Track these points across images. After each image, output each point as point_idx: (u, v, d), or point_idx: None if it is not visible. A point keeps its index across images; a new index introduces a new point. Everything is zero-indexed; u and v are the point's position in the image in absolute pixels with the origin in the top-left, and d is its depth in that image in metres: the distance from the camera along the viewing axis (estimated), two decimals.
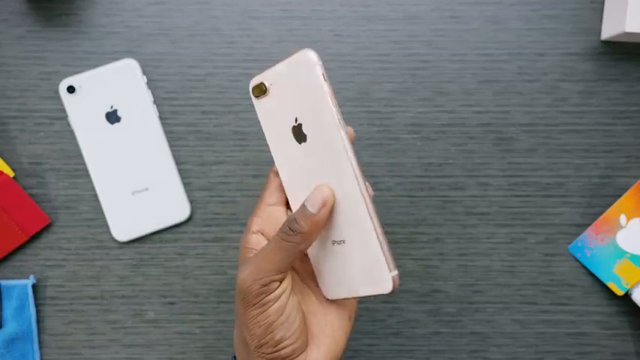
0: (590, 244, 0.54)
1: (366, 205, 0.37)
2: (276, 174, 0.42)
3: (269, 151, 0.43)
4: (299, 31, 0.54)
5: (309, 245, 0.38)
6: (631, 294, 0.53)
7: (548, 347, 0.54)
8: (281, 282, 0.39)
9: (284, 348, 0.39)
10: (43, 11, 0.54)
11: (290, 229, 0.38)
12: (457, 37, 0.54)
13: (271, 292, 0.38)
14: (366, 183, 0.38)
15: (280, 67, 0.39)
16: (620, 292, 0.53)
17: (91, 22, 0.54)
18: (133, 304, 0.54)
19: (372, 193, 0.39)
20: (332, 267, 0.40)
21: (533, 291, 0.54)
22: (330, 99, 0.37)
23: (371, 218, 0.37)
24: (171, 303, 0.54)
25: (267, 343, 0.39)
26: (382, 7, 0.54)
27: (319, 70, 0.37)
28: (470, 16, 0.54)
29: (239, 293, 0.39)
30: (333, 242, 0.39)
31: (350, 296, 0.40)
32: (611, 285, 0.53)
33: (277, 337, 0.38)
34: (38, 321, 0.54)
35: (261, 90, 0.39)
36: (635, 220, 0.53)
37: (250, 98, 0.54)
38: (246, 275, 0.38)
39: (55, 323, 0.54)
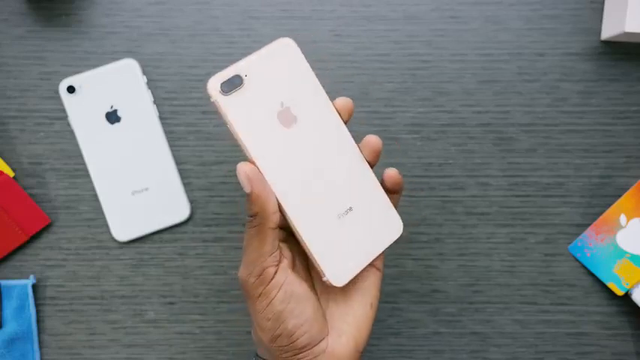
0: (590, 244, 0.54)
1: (369, 166, 0.41)
2: (272, 228, 0.39)
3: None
4: (299, 31, 0.54)
5: (276, 220, 0.38)
6: (631, 294, 0.53)
7: (548, 347, 0.54)
8: (277, 270, 0.38)
9: (299, 337, 0.39)
10: (43, 11, 0.54)
11: (248, 215, 0.38)
12: (457, 37, 0.54)
13: (269, 281, 0.38)
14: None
15: (255, 57, 0.38)
16: (620, 292, 0.53)
17: (91, 22, 0.54)
18: (133, 304, 0.54)
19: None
20: (339, 245, 0.40)
21: (533, 291, 0.54)
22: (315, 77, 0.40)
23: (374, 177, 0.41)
24: (171, 303, 0.54)
25: (280, 334, 0.39)
26: (382, 7, 0.54)
27: (300, 52, 0.39)
28: (470, 16, 0.54)
29: (243, 291, 0.39)
30: (339, 216, 0.40)
31: (362, 266, 0.40)
32: (611, 285, 0.53)
33: (290, 326, 0.38)
34: (38, 321, 0.54)
35: (232, 84, 0.38)
36: (635, 220, 0.53)
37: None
38: (240, 273, 0.39)
39: (55, 323, 0.54)
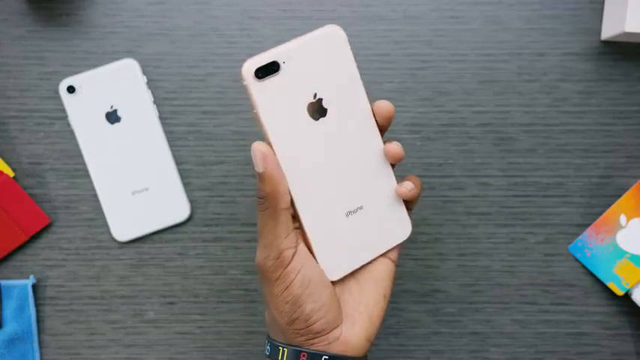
0: (590, 244, 0.54)
1: (391, 168, 0.41)
2: (284, 209, 0.39)
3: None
4: (299, 31, 0.54)
5: (287, 200, 0.38)
6: (631, 294, 0.53)
7: (548, 347, 0.54)
8: (295, 253, 0.39)
9: (316, 322, 0.39)
10: (43, 11, 0.54)
11: (259, 197, 0.38)
12: (457, 37, 0.54)
13: (287, 264, 0.38)
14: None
15: (296, 44, 0.37)
16: (620, 292, 0.53)
17: (91, 22, 0.54)
18: (133, 304, 0.54)
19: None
20: (341, 241, 0.40)
21: (533, 291, 0.54)
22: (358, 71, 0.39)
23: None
24: (171, 303, 0.54)
25: (297, 318, 0.39)
26: (382, 7, 0.54)
27: (347, 44, 0.38)
28: (470, 16, 0.54)
29: (260, 275, 0.40)
30: (348, 213, 0.40)
31: (359, 265, 0.41)
32: (611, 285, 0.53)
33: (307, 310, 0.39)
34: (38, 321, 0.54)
35: (268, 70, 0.36)
36: (635, 220, 0.53)
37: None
38: (258, 257, 0.39)
39: (55, 323, 0.54)
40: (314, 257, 0.40)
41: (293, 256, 0.39)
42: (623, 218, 0.53)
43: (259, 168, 0.37)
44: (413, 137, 0.54)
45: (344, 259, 0.40)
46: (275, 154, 0.38)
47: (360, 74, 0.39)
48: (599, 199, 0.54)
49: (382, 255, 0.42)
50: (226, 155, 0.54)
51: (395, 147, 0.40)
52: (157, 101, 0.54)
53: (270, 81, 0.37)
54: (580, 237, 0.54)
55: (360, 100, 0.39)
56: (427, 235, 0.54)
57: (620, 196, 0.54)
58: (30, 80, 0.54)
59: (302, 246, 0.40)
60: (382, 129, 0.40)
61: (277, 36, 0.54)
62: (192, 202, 0.54)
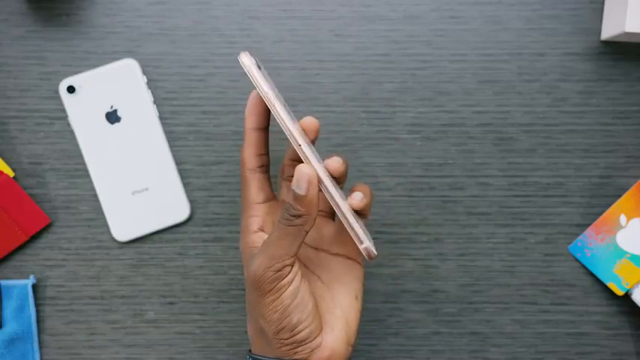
0: (590, 244, 0.54)
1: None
2: (253, 171, 0.43)
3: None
4: (299, 31, 0.54)
5: (312, 224, 0.39)
6: (631, 294, 0.53)
7: (548, 347, 0.54)
8: (292, 266, 0.40)
9: (301, 331, 0.40)
10: (43, 11, 0.54)
11: (290, 215, 0.39)
12: (457, 37, 0.54)
13: (284, 277, 0.39)
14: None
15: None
16: (620, 292, 0.53)
17: (91, 22, 0.54)
18: (133, 304, 0.54)
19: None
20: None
21: (533, 291, 0.54)
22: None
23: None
24: (171, 303, 0.54)
25: (284, 327, 0.39)
26: (382, 7, 0.54)
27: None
28: (470, 16, 0.54)
29: (253, 283, 0.40)
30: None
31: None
32: (611, 285, 0.53)
33: (294, 320, 0.39)
34: (38, 321, 0.54)
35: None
36: (635, 220, 0.53)
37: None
38: (259, 265, 0.40)
39: (55, 323, 0.54)
40: (357, 240, 0.41)
41: (291, 269, 0.40)
42: (623, 218, 0.53)
43: (302, 191, 0.38)
44: (413, 137, 0.54)
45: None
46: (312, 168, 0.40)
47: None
48: (599, 199, 0.54)
49: (346, 257, 0.44)
50: (226, 155, 0.54)
51: (333, 162, 0.41)
52: (157, 101, 0.54)
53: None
54: (580, 237, 0.54)
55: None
56: (427, 235, 0.54)
57: (620, 196, 0.54)
58: (30, 80, 0.54)
59: (297, 260, 0.41)
60: (313, 141, 0.42)
61: (277, 36, 0.54)
62: (192, 202, 0.54)
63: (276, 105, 0.40)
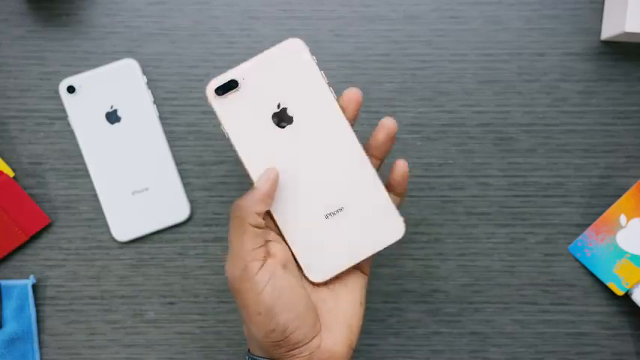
0: (590, 244, 0.54)
1: (372, 167, 0.41)
2: (252, 225, 0.40)
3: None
4: (299, 31, 0.54)
5: (258, 219, 0.39)
6: (631, 294, 0.53)
7: (548, 347, 0.54)
8: (262, 265, 0.39)
9: (293, 332, 0.39)
10: (43, 11, 0.54)
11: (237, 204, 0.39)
12: (457, 37, 0.54)
13: (254, 275, 0.39)
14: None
15: (255, 61, 0.40)
16: (620, 292, 0.53)
17: (91, 22, 0.54)
18: (133, 304, 0.54)
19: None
20: (323, 244, 0.41)
21: (533, 291, 0.54)
22: (323, 77, 0.40)
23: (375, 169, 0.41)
24: (171, 303, 0.54)
25: (274, 329, 0.39)
26: (382, 7, 0.54)
27: (308, 53, 0.40)
28: (470, 16, 0.54)
29: (230, 288, 0.40)
30: (328, 215, 0.41)
31: (345, 267, 0.41)
32: (611, 285, 0.53)
33: (282, 320, 0.39)
34: (38, 321, 0.54)
35: (227, 87, 0.40)
36: (635, 220, 0.53)
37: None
38: (227, 268, 0.40)
39: (55, 323, 0.54)
40: (297, 262, 0.41)
41: (260, 268, 0.39)
42: (623, 218, 0.53)
43: (261, 186, 0.39)
44: (413, 137, 0.54)
45: (327, 262, 0.41)
46: (245, 168, 0.40)
47: (332, 79, 0.41)
48: (599, 199, 0.54)
49: (355, 267, 0.43)
50: (226, 155, 0.54)
51: (352, 91, 0.41)
52: (157, 101, 0.54)
53: (231, 97, 0.40)
54: (580, 237, 0.54)
55: (327, 103, 0.40)
56: (427, 235, 0.54)
57: (620, 196, 0.54)
58: (30, 80, 0.54)
59: (274, 260, 0.40)
60: (353, 118, 0.42)
61: (277, 36, 0.54)
62: (192, 202, 0.54)
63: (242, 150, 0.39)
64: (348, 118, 0.41)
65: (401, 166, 0.42)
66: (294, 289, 0.40)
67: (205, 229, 0.54)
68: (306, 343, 0.39)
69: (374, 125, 0.54)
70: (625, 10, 0.50)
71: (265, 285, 0.39)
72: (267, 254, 0.40)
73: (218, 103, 0.40)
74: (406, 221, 0.54)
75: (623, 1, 0.51)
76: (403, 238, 0.45)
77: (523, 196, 0.54)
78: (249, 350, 0.43)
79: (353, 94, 0.41)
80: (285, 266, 0.40)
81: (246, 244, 0.39)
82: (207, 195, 0.54)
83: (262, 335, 0.39)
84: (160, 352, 0.54)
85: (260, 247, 0.39)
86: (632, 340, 0.54)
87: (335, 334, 0.40)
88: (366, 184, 0.41)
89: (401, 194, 0.43)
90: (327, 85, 0.40)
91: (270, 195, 0.40)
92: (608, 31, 0.53)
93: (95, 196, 0.54)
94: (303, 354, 0.39)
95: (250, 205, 0.39)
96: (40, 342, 0.54)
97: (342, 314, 0.41)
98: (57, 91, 0.54)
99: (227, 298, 0.54)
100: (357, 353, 0.54)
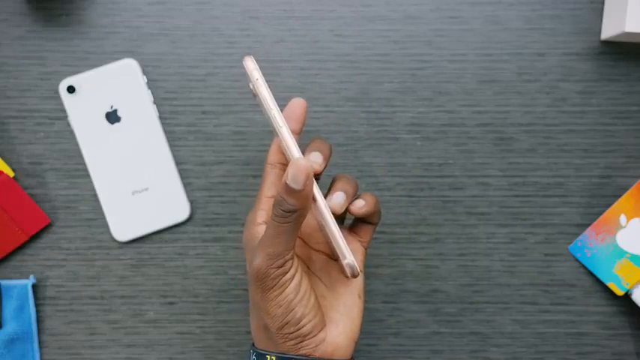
0: (590, 244, 0.54)
1: None
2: (273, 166, 0.43)
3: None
4: (299, 31, 0.54)
5: (305, 217, 0.40)
6: (631, 294, 0.53)
7: (548, 347, 0.54)
8: (292, 260, 0.40)
9: (304, 325, 0.40)
10: (43, 11, 0.54)
11: (284, 210, 0.39)
12: (457, 37, 0.54)
13: (287, 272, 0.40)
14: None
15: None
16: (620, 292, 0.53)
17: (91, 22, 0.54)
18: (133, 304, 0.54)
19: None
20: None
21: (533, 291, 0.54)
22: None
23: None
24: (171, 303, 0.54)
25: (289, 322, 0.40)
26: (382, 7, 0.54)
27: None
28: (470, 16, 0.54)
29: (256, 281, 0.40)
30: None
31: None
32: (611, 285, 0.53)
33: (298, 314, 0.40)
34: (38, 321, 0.54)
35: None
36: (635, 220, 0.53)
37: (249, 98, 0.54)
38: (260, 263, 0.40)
39: (55, 323, 0.54)
40: (339, 254, 0.41)
41: (292, 264, 0.40)
42: (623, 218, 0.53)
43: (299, 185, 0.38)
44: (413, 137, 0.54)
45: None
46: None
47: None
48: (599, 199, 0.54)
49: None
50: (226, 155, 0.54)
51: (359, 203, 0.42)
52: (157, 101, 0.54)
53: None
54: (580, 237, 0.54)
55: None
56: (427, 235, 0.54)
57: (620, 196, 0.54)
58: (30, 80, 0.54)
59: (296, 256, 0.41)
60: (300, 125, 0.43)
61: (277, 36, 0.54)
62: (192, 202, 0.54)
63: (276, 116, 0.41)
64: (292, 127, 0.43)
65: (363, 202, 0.43)
66: (308, 283, 0.41)
67: (205, 229, 0.54)
68: (313, 336, 0.41)
69: (374, 125, 0.54)
70: (625, 10, 0.50)
71: (292, 281, 0.40)
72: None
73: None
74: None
75: (623, 1, 0.51)
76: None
77: (523, 196, 0.54)
78: (253, 344, 0.43)
79: (296, 104, 0.43)
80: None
81: (291, 244, 0.40)
82: (207, 195, 0.54)
83: (277, 327, 0.40)
84: (160, 352, 0.54)
85: (295, 240, 0.40)
86: (632, 340, 0.54)
87: (338, 327, 0.42)
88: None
89: (375, 223, 0.45)
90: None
91: (311, 194, 0.40)
92: (608, 31, 0.53)
93: (95, 196, 0.54)
94: (310, 346, 0.40)
95: (309, 207, 0.40)
96: (40, 342, 0.54)
97: (343, 307, 0.43)
98: (57, 91, 0.54)
99: (227, 298, 0.54)
100: (357, 353, 0.54)
